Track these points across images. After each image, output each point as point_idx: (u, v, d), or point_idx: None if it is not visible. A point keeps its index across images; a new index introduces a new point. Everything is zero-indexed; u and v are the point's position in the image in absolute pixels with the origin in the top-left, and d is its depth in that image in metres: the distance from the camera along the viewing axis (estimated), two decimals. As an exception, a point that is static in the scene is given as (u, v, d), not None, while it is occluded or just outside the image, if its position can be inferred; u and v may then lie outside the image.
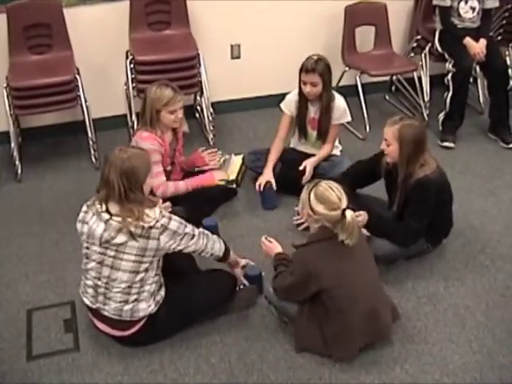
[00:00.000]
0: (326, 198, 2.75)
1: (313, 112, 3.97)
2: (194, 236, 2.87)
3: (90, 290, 2.86)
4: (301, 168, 3.92)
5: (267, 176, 3.93)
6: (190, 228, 2.86)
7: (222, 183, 3.85)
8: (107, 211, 2.71)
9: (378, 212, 3.38)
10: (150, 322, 2.86)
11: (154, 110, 3.48)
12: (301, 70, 3.82)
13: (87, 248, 2.81)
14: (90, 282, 2.86)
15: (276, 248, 3.17)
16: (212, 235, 3.01)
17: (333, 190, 2.78)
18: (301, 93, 3.91)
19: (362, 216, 3.29)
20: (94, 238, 2.74)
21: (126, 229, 2.66)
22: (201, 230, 2.96)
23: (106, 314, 2.84)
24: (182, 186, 3.69)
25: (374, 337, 2.90)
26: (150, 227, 2.69)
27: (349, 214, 2.73)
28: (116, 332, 2.90)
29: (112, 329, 2.89)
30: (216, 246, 3.00)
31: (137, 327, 2.86)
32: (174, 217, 2.81)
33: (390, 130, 3.26)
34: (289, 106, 4.03)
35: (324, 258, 2.79)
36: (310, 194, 2.80)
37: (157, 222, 2.70)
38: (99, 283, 2.81)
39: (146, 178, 2.79)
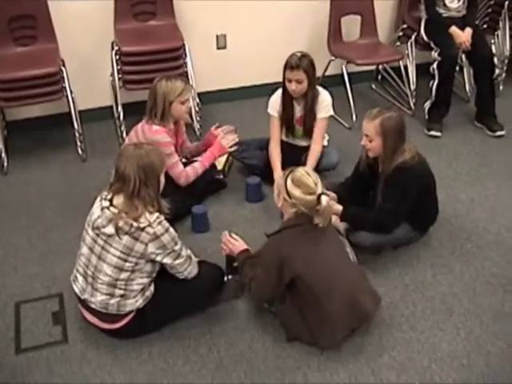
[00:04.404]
0: (303, 183, 2.77)
1: (298, 110, 3.92)
2: (180, 256, 2.84)
3: (81, 278, 2.87)
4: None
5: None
6: (179, 246, 2.83)
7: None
8: (110, 200, 2.74)
9: (352, 206, 3.38)
10: (138, 316, 2.86)
11: (166, 102, 3.47)
12: (285, 68, 3.75)
13: (85, 231, 2.83)
14: (80, 269, 2.87)
15: (241, 246, 3.09)
16: (194, 259, 2.95)
17: (309, 176, 2.80)
18: (285, 91, 3.85)
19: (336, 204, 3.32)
20: (90, 220, 2.78)
21: (115, 222, 2.67)
22: (188, 252, 2.92)
23: (93, 306, 2.84)
24: (199, 166, 3.72)
25: (357, 321, 2.91)
26: (141, 229, 2.68)
27: (324, 198, 2.76)
28: (104, 325, 2.89)
29: (100, 321, 2.89)
30: (193, 271, 2.95)
31: (125, 321, 2.86)
32: (171, 230, 2.78)
33: (372, 126, 3.22)
34: (275, 107, 3.94)
35: (296, 242, 2.80)
36: (286, 179, 2.81)
37: (149, 226, 2.68)
38: (88, 272, 2.81)
39: (162, 172, 2.83)
